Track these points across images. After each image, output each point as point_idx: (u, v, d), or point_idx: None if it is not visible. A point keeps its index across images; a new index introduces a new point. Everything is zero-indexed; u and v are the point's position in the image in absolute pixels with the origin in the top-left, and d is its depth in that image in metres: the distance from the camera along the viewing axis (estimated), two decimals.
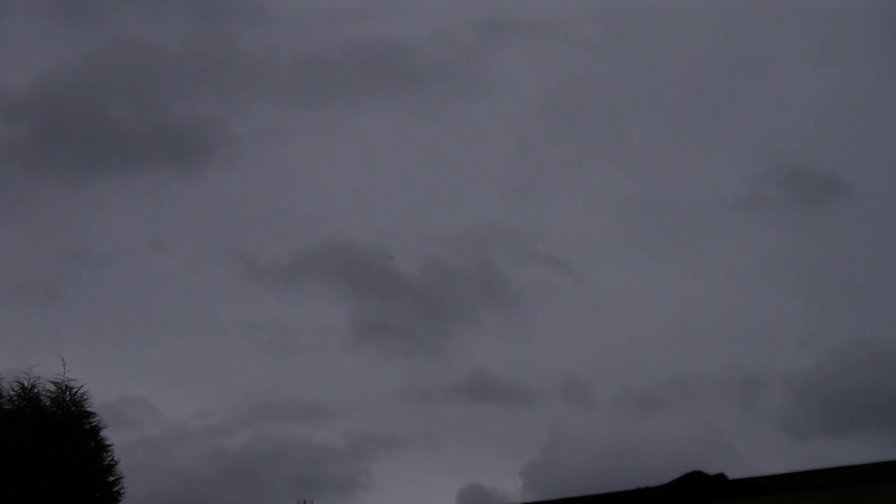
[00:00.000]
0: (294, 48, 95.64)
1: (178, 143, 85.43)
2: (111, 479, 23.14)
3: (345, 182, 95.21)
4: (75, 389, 23.17)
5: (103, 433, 23.55)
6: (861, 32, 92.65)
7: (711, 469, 4.93)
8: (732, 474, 4.90)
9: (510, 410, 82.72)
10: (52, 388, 23.03)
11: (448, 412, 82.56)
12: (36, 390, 23.01)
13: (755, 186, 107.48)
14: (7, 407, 22.72)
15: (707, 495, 4.76)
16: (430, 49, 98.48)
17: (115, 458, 23.41)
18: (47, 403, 22.85)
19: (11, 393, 22.92)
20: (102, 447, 23.33)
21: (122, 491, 23.00)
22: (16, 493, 21.63)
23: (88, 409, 23.29)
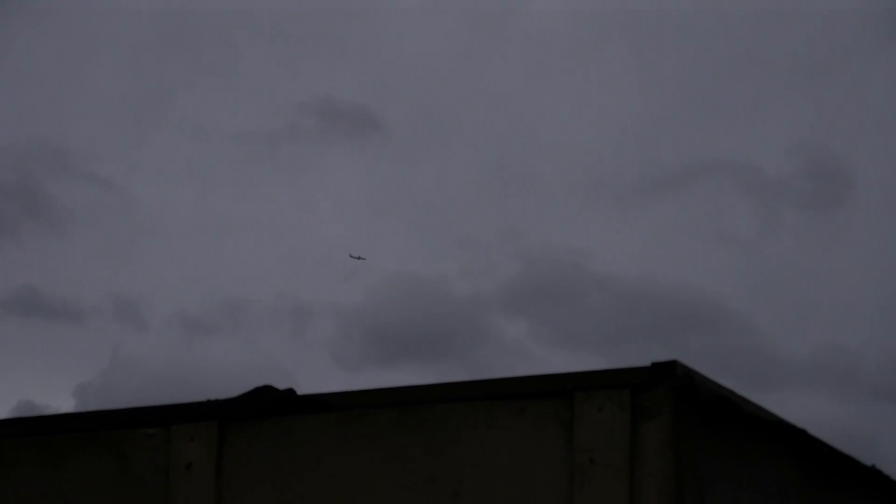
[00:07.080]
0: None
1: None
2: None
3: None
4: None
5: None
6: None
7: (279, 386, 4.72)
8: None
9: (61, 328, 79.66)
10: None
11: None
12: None
13: (296, 117, 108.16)
14: None
15: (277, 409, 4.58)
16: None
17: None
18: None
19: None
20: None
21: None
22: None
23: None
